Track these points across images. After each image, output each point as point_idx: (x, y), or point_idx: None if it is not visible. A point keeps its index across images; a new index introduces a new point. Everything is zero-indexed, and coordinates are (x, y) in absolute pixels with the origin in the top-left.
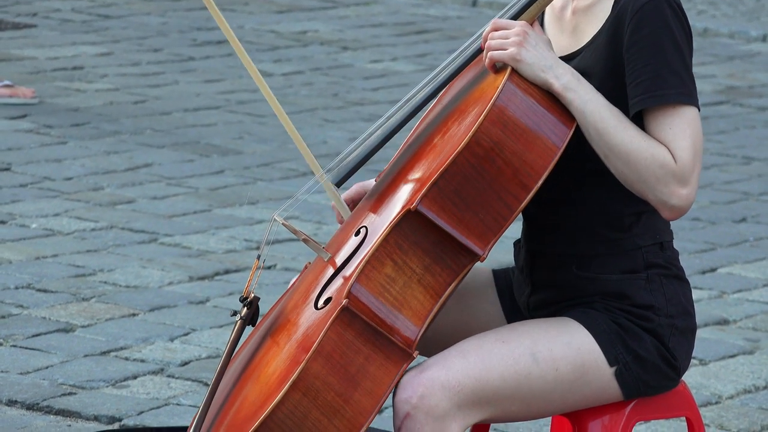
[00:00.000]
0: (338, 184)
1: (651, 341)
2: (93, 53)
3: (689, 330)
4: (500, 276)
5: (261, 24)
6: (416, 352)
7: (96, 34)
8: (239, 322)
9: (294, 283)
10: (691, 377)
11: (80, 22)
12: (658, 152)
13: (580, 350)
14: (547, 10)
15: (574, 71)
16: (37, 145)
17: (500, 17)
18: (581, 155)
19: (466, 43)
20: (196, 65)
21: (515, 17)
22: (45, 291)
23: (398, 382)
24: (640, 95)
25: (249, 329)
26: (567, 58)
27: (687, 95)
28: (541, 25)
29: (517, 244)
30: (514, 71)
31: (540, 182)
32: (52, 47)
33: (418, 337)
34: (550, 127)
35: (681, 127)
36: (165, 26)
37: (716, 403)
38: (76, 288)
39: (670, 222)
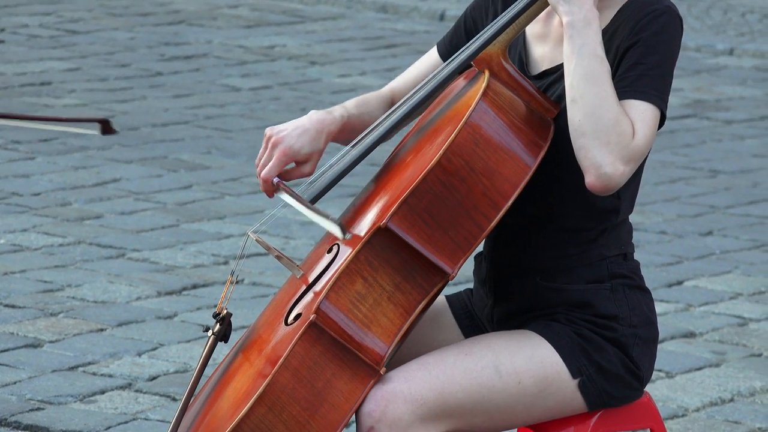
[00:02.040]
0: (313, 201)
1: (614, 352)
2: (61, 68)
3: (652, 340)
4: (453, 300)
5: (229, 39)
6: (384, 369)
7: (64, 50)
8: (211, 337)
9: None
10: (658, 390)
11: (48, 37)
12: (624, 120)
13: (543, 363)
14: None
15: (592, 12)
16: (4, 160)
17: (484, 34)
18: (552, 172)
19: (448, 60)
20: (164, 80)
21: (491, 39)
22: (13, 306)
23: (365, 397)
24: (626, 86)
25: (222, 345)
26: (554, 70)
27: (663, 101)
28: (524, 40)
29: (478, 257)
30: (487, 90)
31: (511, 201)
32: (19, 63)
33: (387, 355)
34: (522, 146)
35: (648, 122)
36: (133, 41)
37: (683, 415)
38: (44, 303)
39: (632, 233)
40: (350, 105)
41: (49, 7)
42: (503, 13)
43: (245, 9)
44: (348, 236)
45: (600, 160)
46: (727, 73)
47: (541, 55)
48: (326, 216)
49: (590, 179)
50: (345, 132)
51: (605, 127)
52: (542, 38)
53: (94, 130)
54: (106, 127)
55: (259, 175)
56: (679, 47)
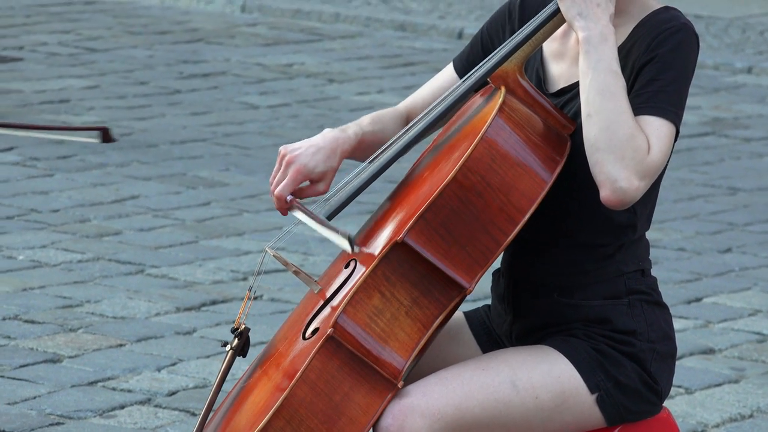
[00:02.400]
0: (329, 217)
1: (632, 367)
2: (80, 86)
3: (670, 355)
4: (472, 317)
5: (247, 57)
6: (401, 383)
7: (83, 68)
8: (230, 352)
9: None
10: (677, 406)
11: (67, 55)
12: (640, 136)
13: (560, 378)
14: (545, 43)
15: (608, 28)
16: (23, 177)
17: (500, 51)
18: (568, 188)
19: (462, 79)
20: (183, 98)
21: (507, 56)
22: (32, 322)
23: (382, 411)
24: (642, 103)
25: (240, 360)
26: (571, 87)
27: (679, 118)
28: (541, 58)
29: (496, 273)
30: (503, 106)
31: (527, 216)
32: (39, 80)
33: (405, 369)
34: (538, 161)
35: (663, 138)
36: (151, 59)
37: (702, 431)
38: (63, 319)
39: (650, 249)
40: (365, 122)
41: (68, 25)
42: (519, 30)
43: (263, 27)
44: (356, 250)
45: (615, 175)
46: (745, 91)
47: (558, 74)
48: (336, 231)
49: (605, 194)
50: (360, 150)
51: (620, 142)
52: (559, 56)
53: (94, 139)
54: (106, 136)
55: (273, 193)
56: (695, 64)
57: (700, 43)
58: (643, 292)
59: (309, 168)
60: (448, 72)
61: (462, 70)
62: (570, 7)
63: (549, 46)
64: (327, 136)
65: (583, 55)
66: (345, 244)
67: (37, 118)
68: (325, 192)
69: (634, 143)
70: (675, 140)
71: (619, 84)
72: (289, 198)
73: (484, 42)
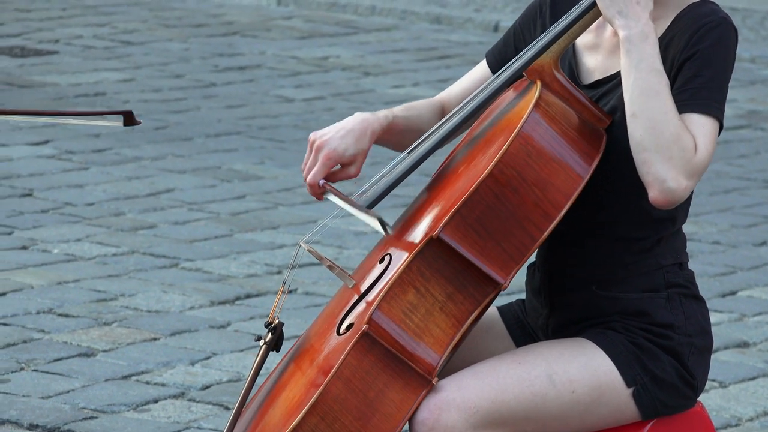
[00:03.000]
0: (370, 206)
1: (668, 361)
2: (115, 79)
3: (707, 349)
4: (505, 311)
5: (283, 50)
6: (436, 379)
7: (118, 60)
8: (263, 347)
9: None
10: (711, 399)
11: (102, 48)
12: (686, 135)
13: (597, 372)
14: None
15: (648, 26)
16: (58, 170)
17: (536, 45)
18: (605, 182)
19: (500, 71)
20: (218, 91)
21: (543, 50)
22: (66, 316)
23: (417, 406)
24: (686, 99)
25: (274, 354)
26: (607, 80)
27: (722, 113)
28: (573, 49)
29: (531, 267)
30: (539, 101)
31: (563, 212)
32: (74, 73)
33: (439, 365)
34: (574, 157)
35: (709, 135)
36: (187, 52)
37: (736, 425)
38: (97, 313)
39: (686, 243)
40: (398, 108)
41: (104, 18)
42: (556, 23)
43: (299, 20)
44: (390, 231)
45: (663, 175)
46: None
47: (593, 66)
48: (369, 213)
49: (654, 194)
50: (391, 133)
51: (667, 142)
52: (593, 48)
53: (117, 122)
54: (129, 119)
55: (306, 180)
56: (735, 58)
57: (737, 36)
58: (681, 286)
59: (339, 152)
60: (482, 67)
61: (495, 65)
62: (609, 6)
63: (582, 39)
64: (356, 118)
65: (625, 54)
66: (377, 225)
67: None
68: (356, 175)
69: (681, 143)
70: (718, 135)
71: (662, 83)
72: (321, 182)
73: (516, 37)
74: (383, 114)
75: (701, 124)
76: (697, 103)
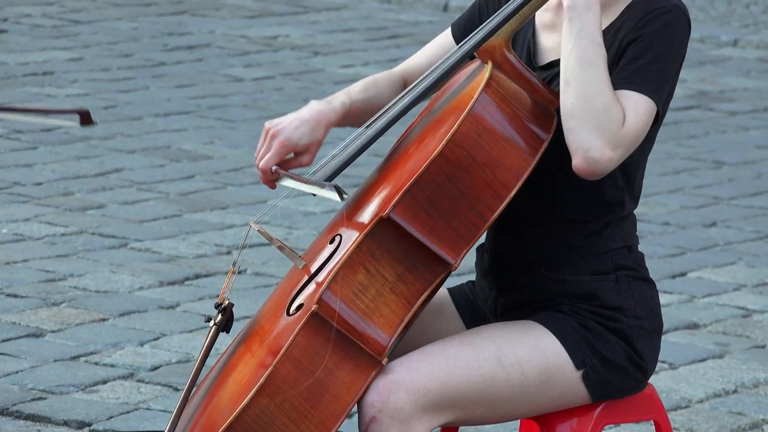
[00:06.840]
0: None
1: (618, 343)
2: (63, 58)
3: (656, 331)
4: (456, 293)
5: (232, 29)
6: (386, 360)
7: (66, 40)
8: (213, 328)
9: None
10: (661, 381)
11: (51, 27)
12: (616, 107)
13: (546, 354)
14: (537, 14)
15: None
16: (6, 150)
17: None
18: (555, 163)
19: (451, 52)
20: (167, 70)
21: (494, 30)
22: (15, 296)
23: (367, 387)
24: (624, 78)
25: (224, 335)
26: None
27: (659, 96)
28: (533, 30)
29: (480, 248)
30: (490, 81)
31: (514, 192)
32: (22, 52)
33: (389, 346)
34: (524, 137)
35: (640, 112)
36: (136, 31)
37: (686, 407)
38: (46, 293)
39: (636, 225)
40: (356, 90)
41: None
42: (507, 4)
43: None
44: (346, 197)
45: (588, 143)
46: (731, 64)
47: (550, 46)
48: (323, 185)
49: (577, 161)
50: (349, 119)
51: (596, 112)
52: (551, 28)
53: (73, 122)
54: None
55: (258, 166)
56: (685, 45)
57: None
58: (630, 268)
59: (293, 140)
60: (446, 37)
61: (459, 36)
62: None
63: (542, 18)
64: (312, 108)
65: (567, 22)
66: (334, 196)
67: (20, 90)
68: (309, 164)
69: (610, 114)
70: (659, 122)
71: (599, 54)
72: (274, 168)
73: (481, 10)
74: (339, 102)
75: (634, 101)
76: (633, 81)
